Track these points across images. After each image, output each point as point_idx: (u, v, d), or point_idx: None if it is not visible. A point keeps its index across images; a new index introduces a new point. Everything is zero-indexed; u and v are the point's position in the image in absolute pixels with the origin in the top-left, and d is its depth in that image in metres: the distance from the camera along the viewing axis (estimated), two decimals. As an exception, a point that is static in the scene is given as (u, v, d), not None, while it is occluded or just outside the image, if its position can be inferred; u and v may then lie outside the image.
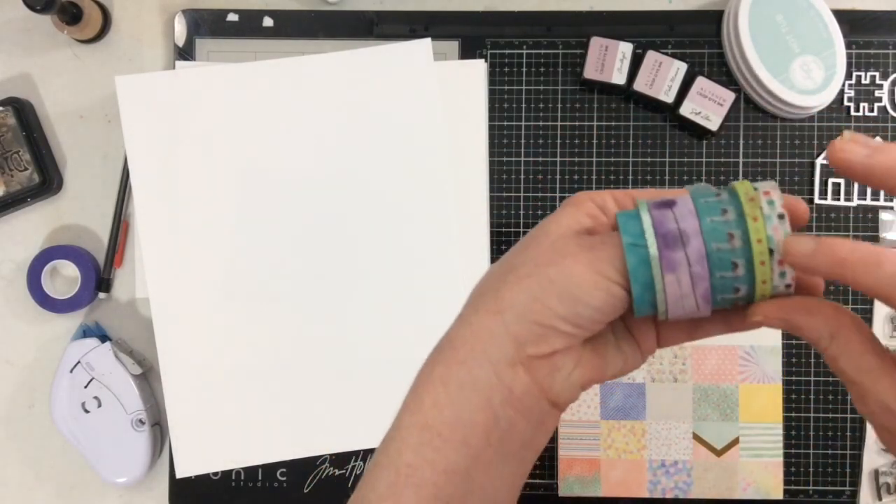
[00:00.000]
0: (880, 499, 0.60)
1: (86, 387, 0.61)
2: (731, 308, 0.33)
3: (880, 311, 0.61)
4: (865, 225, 0.62)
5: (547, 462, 0.61)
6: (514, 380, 0.33)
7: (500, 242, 0.63)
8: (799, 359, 0.61)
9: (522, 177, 0.63)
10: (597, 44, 0.62)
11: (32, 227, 0.65)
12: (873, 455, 0.60)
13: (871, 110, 0.62)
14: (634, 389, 0.61)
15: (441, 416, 0.33)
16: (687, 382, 0.60)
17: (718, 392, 0.60)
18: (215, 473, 0.63)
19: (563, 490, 0.60)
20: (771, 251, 0.30)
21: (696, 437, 0.60)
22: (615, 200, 0.35)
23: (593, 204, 0.35)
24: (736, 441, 0.60)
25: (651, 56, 0.61)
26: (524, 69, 0.63)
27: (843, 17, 0.61)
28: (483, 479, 0.33)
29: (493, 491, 0.34)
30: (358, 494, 0.34)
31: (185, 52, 0.64)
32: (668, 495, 0.60)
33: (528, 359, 0.33)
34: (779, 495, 0.60)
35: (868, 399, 0.29)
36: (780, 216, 0.30)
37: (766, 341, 0.60)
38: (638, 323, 0.37)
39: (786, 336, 0.61)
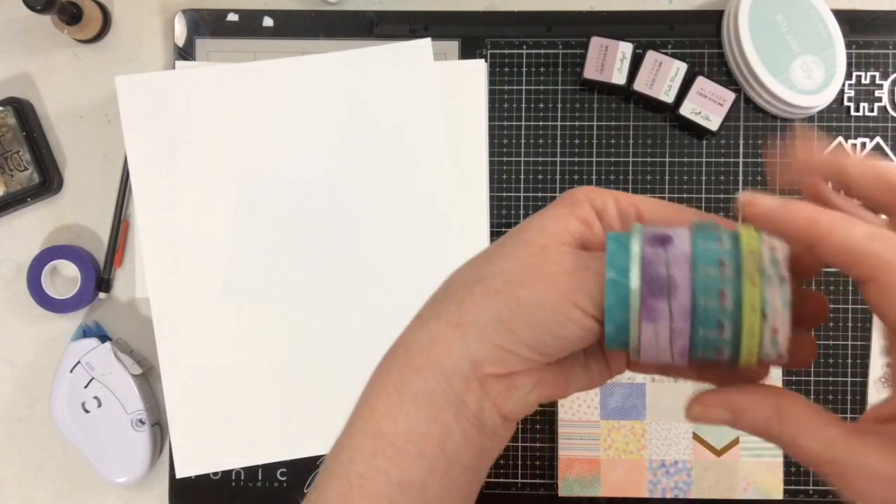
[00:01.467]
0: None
1: (86, 387, 0.61)
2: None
3: (880, 311, 0.61)
4: (865, 225, 0.62)
5: (547, 462, 0.61)
6: (468, 394, 0.31)
7: (500, 242, 0.63)
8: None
9: (522, 177, 0.63)
10: (597, 44, 0.62)
11: (32, 227, 0.65)
12: (873, 455, 0.60)
13: (871, 110, 0.62)
14: (634, 390, 0.60)
15: (395, 426, 0.32)
16: (687, 382, 0.59)
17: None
18: (215, 473, 0.63)
19: (563, 490, 0.60)
20: (765, 316, 0.27)
21: (697, 437, 0.60)
22: (617, 207, 0.32)
23: (591, 207, 0.32)
24: (736, 441, 0.60)
25: (651, 56, 0.61)
26: (524, 69, 0.63)
27: (843, 16, 0.61)
28: (437, 491, 0.32)
29: (448, 503, 0.33)
30: (308, 503, 0.33)
31: (185, 52, 0.64)
32: (669, 495, 0.59)
33: (485, 377, 0.31)
34: (779, 495, 0.60)
35: (853, 475, 0.26)
36: (782, 279, 0.27)
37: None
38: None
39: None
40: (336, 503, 0.32)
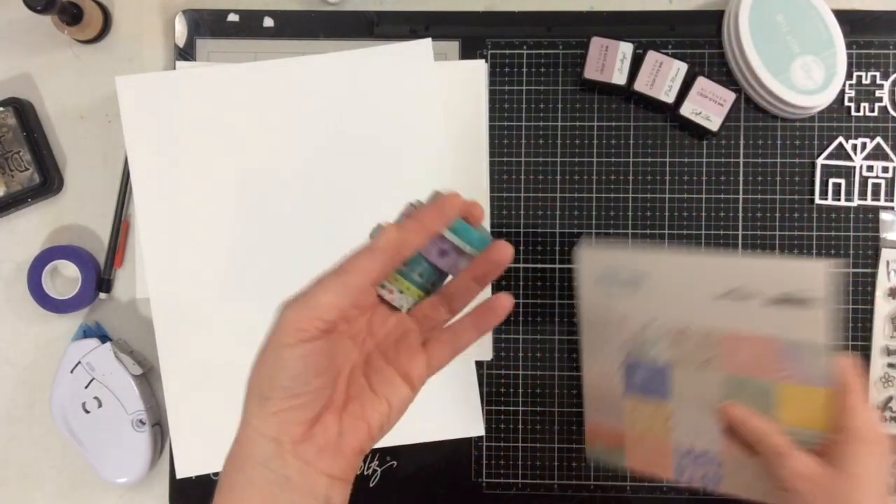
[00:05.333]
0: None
1: (86, 387, 0.61)
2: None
3: (881, 311, 0.61)
4: (866, 225, 0.62)
5: (547, 462, 0.62)
6: (285, 468, 0.36)
7: (501, 242, 0.63)
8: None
9: (522, 177, 0.63)
10: (597, 44, 0.62)
11: (33, 227, 0.65)
12: (874, 455, 0.60)
13: (872, 110, 0.62)
14: (657, 370, 0.54)
15: None
16: (718, 371, 0.52)
17: (754, 387, 0.51)
18: (215, 473, 0.63)
19: (591, 454, 0.58)
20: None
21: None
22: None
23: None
24: None
25: (651, 56, 0.61)
26: (524, 69, 0.63)
27: (843, 17, 0.61)
28: None
29: None
30: None
31: (186, 53, 0.64)
32: (696, 484, 0.54)
33: (292, 445, 0.36)
34: None
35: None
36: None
37: (811, 336, 0.49)
38: (401, 352, 0.40)
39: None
40: None
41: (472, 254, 0.41)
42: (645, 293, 0.53)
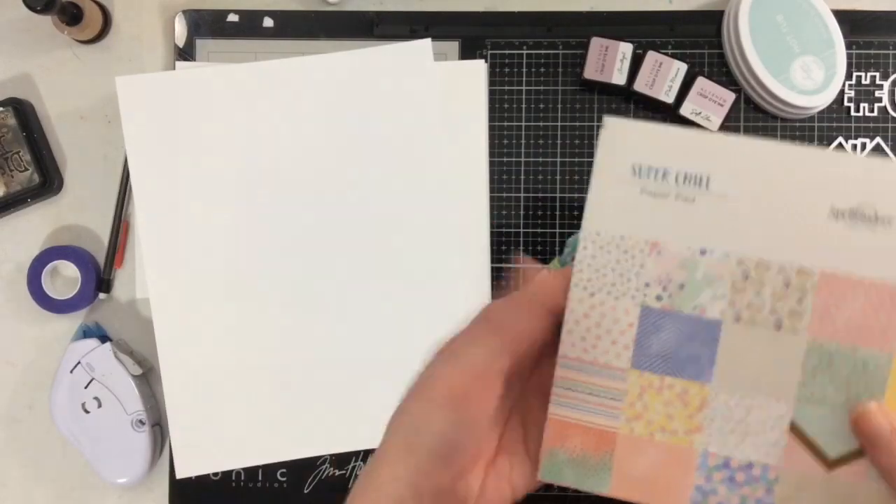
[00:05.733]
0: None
1: (86, 387, 0.61)
2: None
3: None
4: (866, 225, 0.62)
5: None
6: None
7: (500, 243, 0.63)
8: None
9: (522, 177, 0.63)
10: (597, 44, 0.62)
11: (32, 227, 0.65)
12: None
13: (872, 111, 0.62)
14: (700, 328, 0.36)
15: None
16: (799, 334, 0.35)
17: (853, 360, 0.35)
18: (215, 474, 0.63)
19: (546, 470, 0.37)
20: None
21: (796, 431, 0.36)
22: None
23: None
24: (861, 453, 0.35)
25: (651, 56, 0.61)
26: (524, 69, 0.63)
27: (843, 17, 0.61)
28: None
29: None
30: None
31: (186, 53, 0.64)
32: None
33: (431, 496, 0.33)
34: None
35: None
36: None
37: None
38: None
39: None
40: None
41: None
42: (704, 205, 0.35)
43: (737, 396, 0.36)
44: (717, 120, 0.61)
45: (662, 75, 0.61)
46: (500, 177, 0.63)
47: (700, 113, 0.61)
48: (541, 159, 0.63)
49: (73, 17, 0.62)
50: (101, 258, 0.64)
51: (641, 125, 0.36)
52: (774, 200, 0.35)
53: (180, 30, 0.64)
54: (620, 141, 0.36)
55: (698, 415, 0.36)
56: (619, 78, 0.61)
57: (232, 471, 0.63)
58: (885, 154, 0.62)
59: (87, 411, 0.61)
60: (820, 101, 0.60)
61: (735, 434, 0.36)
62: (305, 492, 0.62)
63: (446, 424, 0.33)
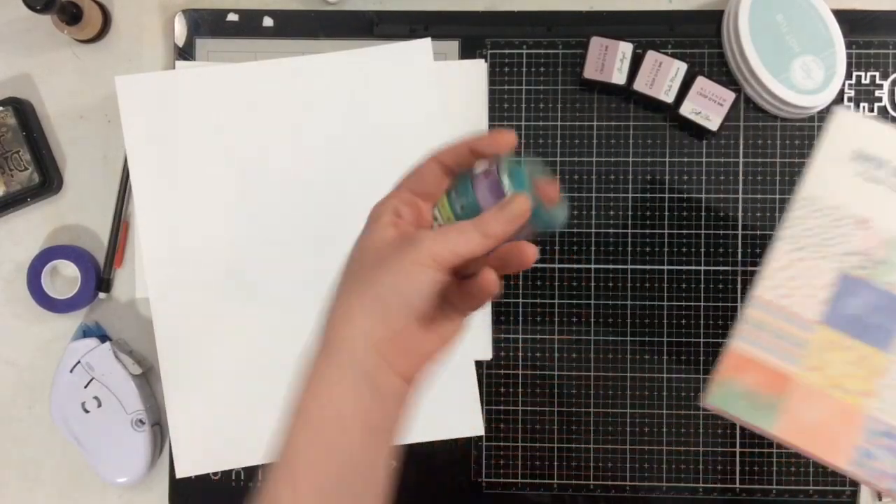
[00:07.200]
0: (880, 499, 0.60)
1: (86, 387, 0.61)
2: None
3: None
4: (865, 225, 0.62)
5: (547, 462, 0.62)
6: (368, 365, 0.37)
7: (500, 242, 0.63)
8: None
9: (522, 177, 0.63)
10: (597, 44, 0.62)
11: (32, 227, 0.65)
12: (873, 455, 0.60)
13: (871, 110, 0.62)
14: (891, 302, 0.39)
15: (323, 412, 0.38)
16: None
17: None
18: (215, 473, 0.63)
19: (715, 398, 0.39)
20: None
21: None
22: (404, 202, 0.43)
23: (391, 214, 0.42)
24: None
25: (651, 56, 0.61)
26: (524, 69, 0.63)
27: (843, 17, 0.61)
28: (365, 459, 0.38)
29: (372, 469, 0.38)
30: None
31: (185, 52, 0.64)
32: (881, 483, 0.38)
33: (383, 344, 0.38)
34: None
35: None
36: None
37: None
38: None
39: None
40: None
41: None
42: None
43: None
44: (717, 119, 0.61)
45: (662, 75, 0.61)
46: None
47: (700, 112, 0.61)
48: (540, 159, 0.63)
49: (72, 16, 0.62)
50: (100, 258, 0.64)
51: (869, 120, 0.42)
52: None
53: (180, 29, 0.64)
54: (847, 129, 0.42)
55: (873, 380, 0.38)
56: (619, 77, 0.61)
57: (232, 470, 0.63)
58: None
59: (86, 411, 0.61)
60: (820, 100, 0.60)
61: None
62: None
63: (429, 289, 0.38)
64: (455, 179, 0.41)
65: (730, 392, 0.39)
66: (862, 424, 0.38)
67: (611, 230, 0.63)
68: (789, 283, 0.40)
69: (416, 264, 0.37)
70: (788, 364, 0.39)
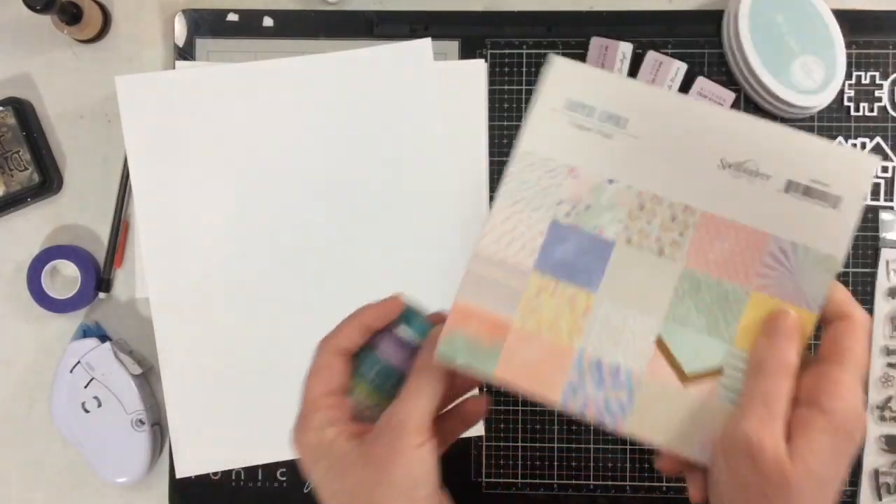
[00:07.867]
0: (880, 499, 0.60)
1: (86, 387, 0.61)
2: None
3: (880, 311, 0.61)
4: (865, 225, 0.62)
5: (547, 462, 0.62)
6: None
7: (500, 242, 0.63)
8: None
9: (522, 177, 0.63)
10: (597, 44, 0.62)
11: (32, 227, 0.65)
12: (873, 455, 0.60)
13: (871, 110, 0.62)
14: (597, 245, 0.41)
15: None
16: (677, 262, 0.40)
17: (717, 291, 0.40)
18: (215, 473, 0.63)
19: (443, 349, 0.41)
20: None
21: (661, 346, 0.40)
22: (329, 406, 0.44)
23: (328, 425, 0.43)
24: (717, 372, 0.40)
25: (651, 56, 0.61)
26: (524, 69, 0.63)
27: (843, 17, 0.61)
28: None
29: None
30: None
31: (185, 52, 0.64)
32: (589, 412, 0.40)
33: None
34: None
35: None
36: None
37: (820, 245, 0.39)
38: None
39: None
40: None
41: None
42: (619, 142, 0.41)
43: (617, 307, 0.41)
44: (717, 120, 0.61)
45: (662, 75, 0.61)
46: (500, 177, 0.63)
47: (700, 113, 0.61)
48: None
49: (72, 16, 0.62)
50: (100, 258, 0.64)
51: (581, 66, 0.41)
52: (676, 146, 0.40)
53: (180, 29, 0.64)
54: (561, 78, 0.41)
55: (582, 319, 0.41)
56: (619, 78, 0.62)
57: (232, 471, 0.63)
58: (885, 154, 0.62)
59: (86, 411, 0.61)
60: (820, 100, 0.60)
61: (610, 340, 0.40)
62: (305, 491, 0.62)
63: (432, 460, 0.40)
64: (355, 358, 0.43)
65: (454, 344, 0.41)
66: (572, 361, 0.40)
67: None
68: (507, 236, 0.42)
69: (410, 448, 0.38)
70: (507, 312, 0.41)
